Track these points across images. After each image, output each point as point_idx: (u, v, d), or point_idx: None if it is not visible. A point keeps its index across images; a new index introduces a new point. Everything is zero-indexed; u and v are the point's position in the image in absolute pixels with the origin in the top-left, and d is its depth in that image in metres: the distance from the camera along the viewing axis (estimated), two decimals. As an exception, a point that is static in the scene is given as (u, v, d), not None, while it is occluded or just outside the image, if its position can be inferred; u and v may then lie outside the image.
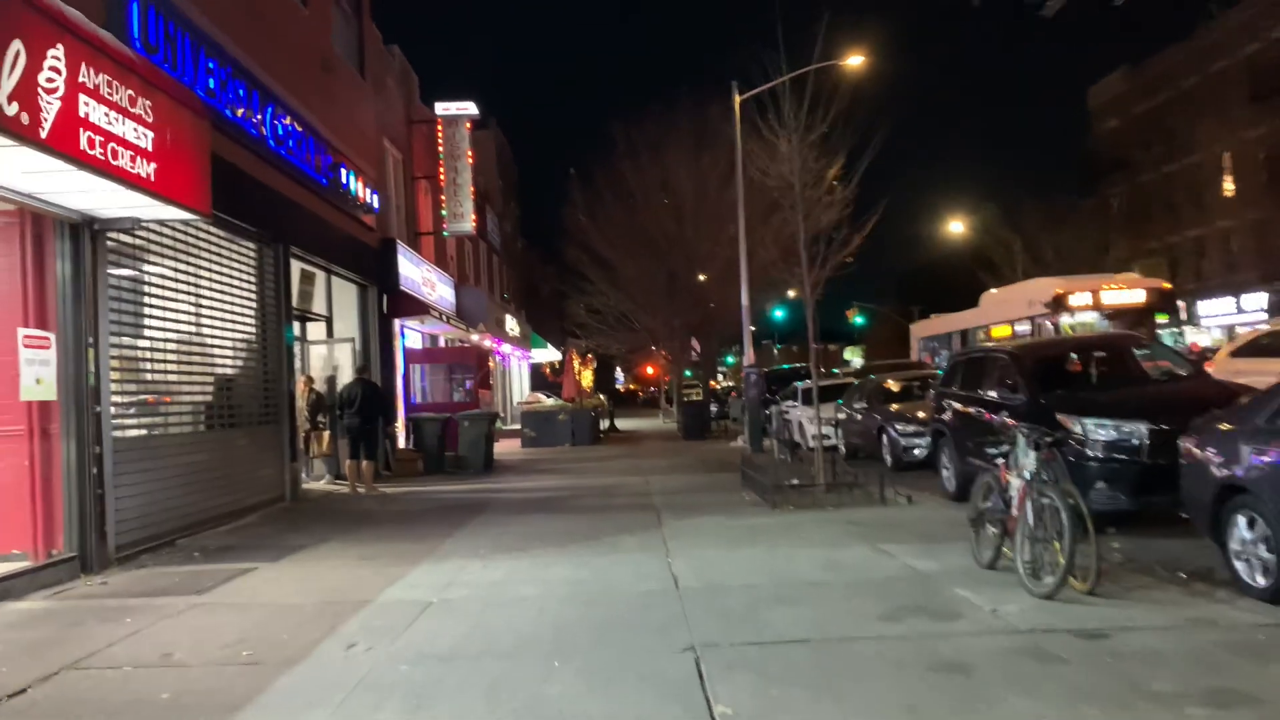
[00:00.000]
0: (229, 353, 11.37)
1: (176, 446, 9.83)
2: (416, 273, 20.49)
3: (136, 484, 8.80)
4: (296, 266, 14.27)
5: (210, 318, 10.84)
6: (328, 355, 16.43)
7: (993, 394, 10.41)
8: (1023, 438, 6.67)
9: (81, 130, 6.36)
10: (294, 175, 13.43)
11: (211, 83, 10.49)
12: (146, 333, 9.45)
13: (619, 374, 79.47)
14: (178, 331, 10.06)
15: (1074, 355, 10.46)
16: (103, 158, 6.61)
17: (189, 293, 10.34)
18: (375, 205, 17.43)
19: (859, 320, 64.93)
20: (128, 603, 6.81)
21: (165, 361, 9.84)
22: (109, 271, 8.51)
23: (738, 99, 22.61)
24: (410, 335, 22.21)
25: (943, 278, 55.63)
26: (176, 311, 10.06)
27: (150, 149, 7.26)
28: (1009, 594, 6.16)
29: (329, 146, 14.91)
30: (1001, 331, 20.48)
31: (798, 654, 5.05)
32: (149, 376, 9.57)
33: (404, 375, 20.89)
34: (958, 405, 11.32)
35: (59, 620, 6.37)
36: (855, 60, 20.91)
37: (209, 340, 10.80)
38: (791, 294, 42.34)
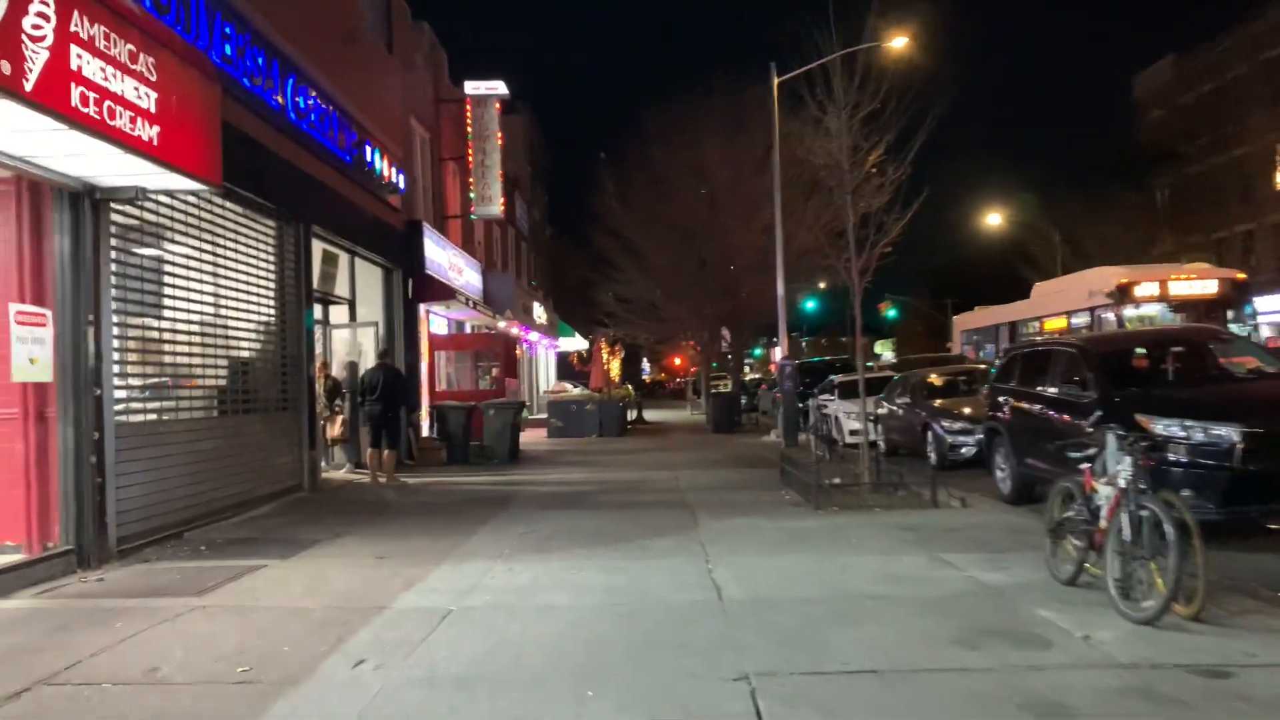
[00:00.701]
0: (245, 335, 10.82)
1: (186, 433, 9.29)
2: (443, 256, 19.92)
3: (141, 472, 8.26)
4: (318, 247, 13.74)
5: (226, 298, 10.29)
6: (350, 339, 15.90)
7: (1057, 390, 9.65)
8: (1115, 441, 5.94)
9: (73, 85, 5.78)
10: (316, 151, 12.86)
11: (228, 49, 9.92)
12: (156, 312, 8.90)
13: (645, 364, 78.86)
14: (190, 311, 9.51)
15: (1149, 349, 9.67)
16: (98, 117, 6.02)
17: (203, 271, 9.80)
18: (401, 185, 16.86)
19: (891, 313, 63.85)
20: (122, 604, 6.26)
21: (176, 343, 9.30)
22: (114, 246, 7.96)
23: (775, 80, 21.87)
24: (435, 321, 21.67)
25: (978, 271, 54.47)
26: (189, 291, 9.51)
27: (153, 110, 6.67)
28: (1099, 617, 5.45)
29: (353, 122, 14.34)
30: (1056, 324, 19.56)
31: (869, 688, 4.38)
32: (157, 359, 9.02)
33: (429, 361, 20.35)
34: (1016, 402, 10.56)
35: (44, 623, 5.81)
36: (899, 42, 20.01)
37: (224, 321, 10.25)
38: (822, 285, 41.61)
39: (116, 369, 8.01)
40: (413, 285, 17.97)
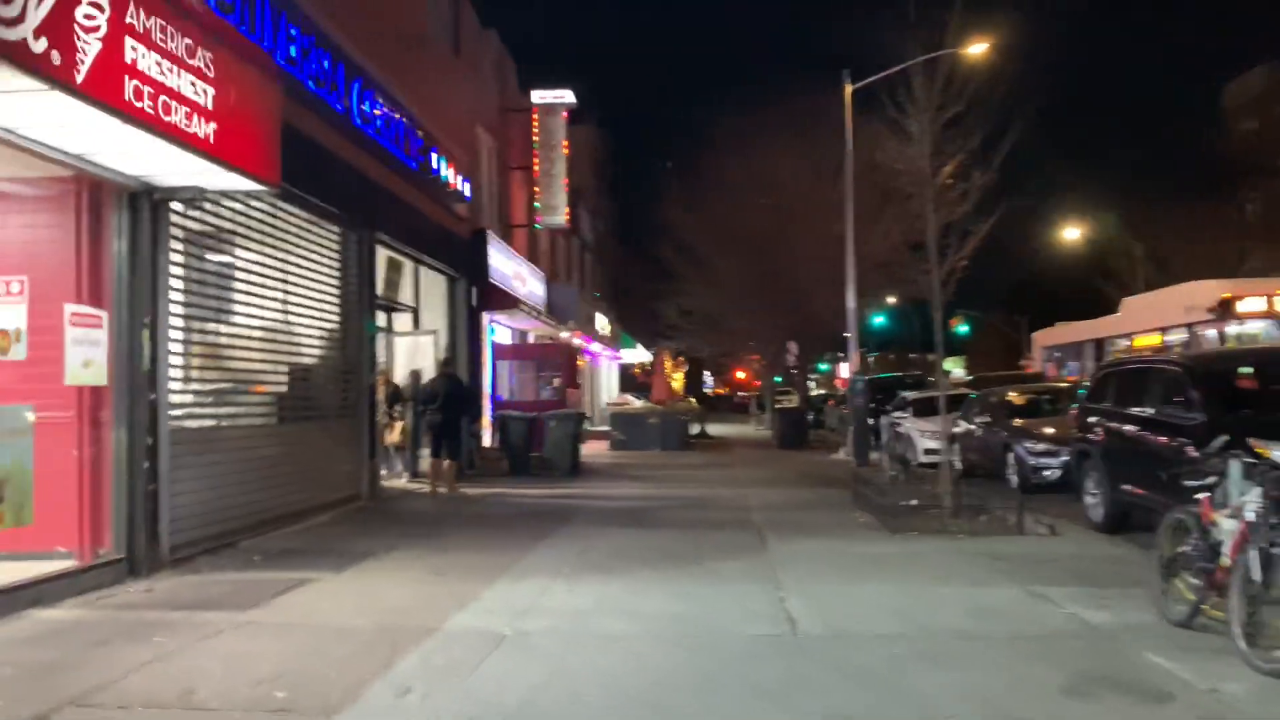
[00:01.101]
0: (306, 341, 10.66)
1: (244, 439, 9.11)
2: (508, 266, 19.75)
3: (196, 479, 8.07)
4: (382, 254, 13.60)
5: (287, 304, 10.14)
6: (413, 347, 15.73)
7: (1157, 412, 8.95)
8: (1241, 469, 5.33)
9: (127, 78, 5.58)
10: (381, 157, 12.71)
11: (292, 50, 9.78)
12: (215, 317, 8.75)
13: (707, 377, 78.20)
14: (251, 316, 9.36)
15: (1262, 368, 8.91)
16: (152, 112, 5.82)
17: (265, 276, 9.65)
18: (467, 193, 16.70)
19: (962, 329, 62.28)
20: (166, 616, 6.01)
21: (235, 348, 9.14)
22: (174, 249, 7.81)
23: (848, 88, 21.31)
24: (499, 330, 21.51)
25: (1054, 286, 52.73)
26: (250, 295, 9.37)
27: (210, 107, 6.47)
28: (1223, 666, 4.84)
29: (420, 129, 14.20)
30: (1148, 341, 18.51)
31: (970, 746, 3.88)
32: (216, 364, 8.87)
33: (492, 371, 20.17)
34: (1110, 423, 9.86)
35: (84, 636, 5.58)
36: (979, 48, 19.26)
37: (285, 327, 10.09)
38: (891, 300, 40.62)
39: (174, 373, 7.84)
40: (477, 294, 17.80)
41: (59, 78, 5.03)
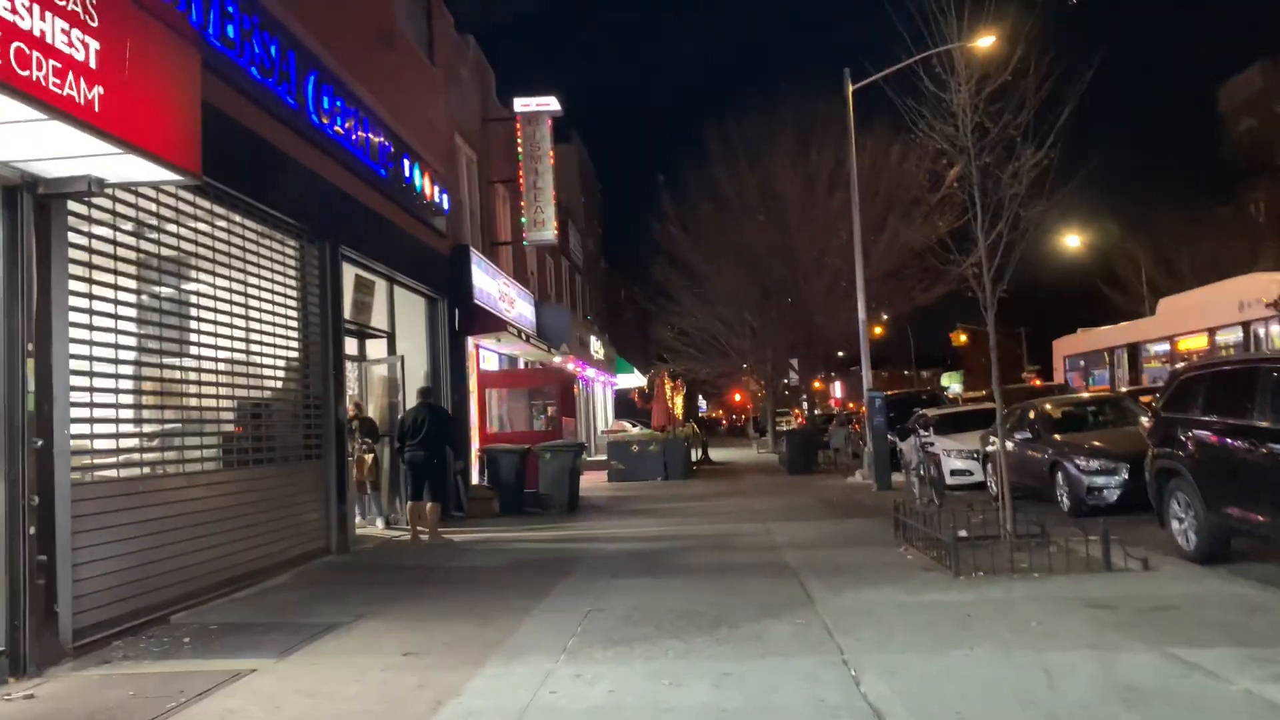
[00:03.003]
0: (259, 372, 9.15)
1: (179, 490, 7.55)
2: (493, 285, 18.26)
3: (112, 543, 6.54)
4: (351, 273, 12.11)
5: (234, 327, 8.62)
6: (388, 377, 14.18)
7: (1268, 421, 7.51)
8: None
9: (-47, 10, 4.11)
10: (344, 161, 11.25)
11: (229, 29, 8.32)
12: (140, 343, 7.22)
13: (702, 401, 76.87)
14: (188, 343, 7.86)
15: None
16: None
17: (206, 296, 8.16)
18: (445, 205, 15.27)
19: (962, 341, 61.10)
20: (35, 743, 4.46)
21: (167, 380, 7.62)
22: (75, 258, 6.33)
23: (850, 88, 20.04)
24: (485, 356, 19.98)
25: (1053, 296, 51.61)
26: (188, 318, 7.88)
27: (94, 66, 4.99)
28: None
29: (388, 132, 12.76)
30: (1194, 343, 17.11)
31: None
32: (138, 400, 7.31)
33: (478, 400, 18.62)
34: (1204, 435, 8.41)
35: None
36: (986, 41, 17.96)
37: (231, 355, 8.57)
38: (885, 316, 39.30)
39: (78, 414, 6.31)
40: (460, 316, 16.29)
41: None
